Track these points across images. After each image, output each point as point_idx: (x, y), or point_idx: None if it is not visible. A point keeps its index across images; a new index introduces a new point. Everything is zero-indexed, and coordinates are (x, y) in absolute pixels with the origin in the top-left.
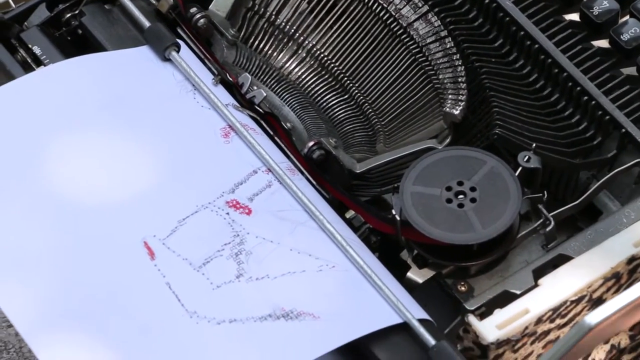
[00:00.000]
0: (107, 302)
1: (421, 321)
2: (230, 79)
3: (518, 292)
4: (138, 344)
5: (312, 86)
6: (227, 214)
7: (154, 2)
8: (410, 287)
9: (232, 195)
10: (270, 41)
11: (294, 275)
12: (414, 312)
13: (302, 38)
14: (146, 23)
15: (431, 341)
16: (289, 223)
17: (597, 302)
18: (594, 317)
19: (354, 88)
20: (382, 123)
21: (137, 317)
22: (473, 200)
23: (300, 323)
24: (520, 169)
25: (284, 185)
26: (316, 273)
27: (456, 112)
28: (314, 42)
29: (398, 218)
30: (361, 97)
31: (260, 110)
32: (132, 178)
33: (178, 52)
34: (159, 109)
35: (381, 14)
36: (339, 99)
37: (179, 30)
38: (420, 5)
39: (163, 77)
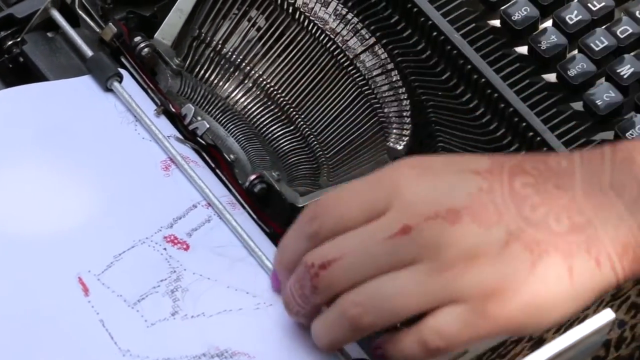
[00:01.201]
0: (39, 338)
1: None
2: (174, 109)
3: None
4: None
5: (257, 117)
6: (165, 249)
7: (98, 30)
8: None
9: (170, 230)
10: (217, 70)
11: (230, 313)
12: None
13: (248, 68)
14: (88, 52)
15: None
16: (227, 259)
17: (538, 342)
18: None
19: (299, 119)
20: (327, 156)
21: (69, 355)
22: None
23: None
24: None
25: (224, 220)
26: (253, 311)
27: (399, 147)
28: (261, 72)
29: None
30: (306, 129)
31: (203, 142)
32: (69, 211)
33: (120, 82)
34: (99, 140)
35: (328, 45)
36: (284, 130)
37: (123, 59)
38: (367, 37)
39: (104, 108)
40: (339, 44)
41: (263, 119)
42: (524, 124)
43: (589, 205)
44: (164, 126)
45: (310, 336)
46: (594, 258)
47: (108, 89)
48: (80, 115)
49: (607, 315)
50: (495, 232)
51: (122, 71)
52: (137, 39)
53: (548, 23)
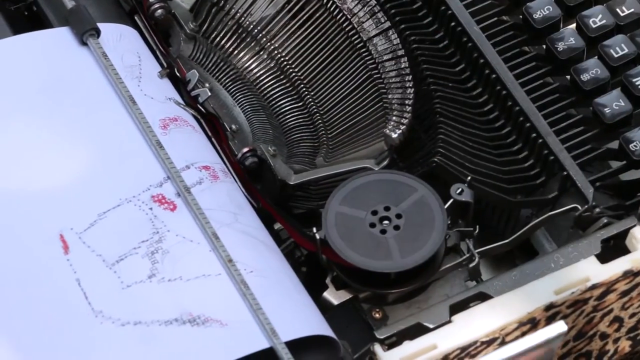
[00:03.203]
0: (14, 293)
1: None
2: (179, 74)
3: (431, 326)
4: (40, 338)
5: (268, 89)
6: (151, 209)
7: None
8: (325, 307)
9: (158, 190)
10: (233, 39)
11: (208, 278)
12: (312, 329)
13: (265, 39)
14: (69, 4)
15: None
16: (214, 223)
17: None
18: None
19: (308, 96)
20: (329, 136)
21: (42, 312)
22: (397, 227)
23: (205, 330)
24: (451, 201)
25: (215, 185)
26: (232, 277)
27: (394, 135)
28: (277, 45)
29: (317, 237)
30: (314, 107)
31: (202, 109)
32: (58, 167)
33: (97, 37)
34: (94, 93)
35: (344, 25)
36: (292, 106)
37: (136, 18)
38: (383, 20)
39: (85, 61)
40: (355, 24)
41: (273, 92)
42: (528, 124)
43: None
44: (167, 88)
45: (283, 305)
46: None
47: (84, 43)
48: (68, 67)
49: (559, 327)
50: None
51: (133, 30)
52: None
53: (573, 25)
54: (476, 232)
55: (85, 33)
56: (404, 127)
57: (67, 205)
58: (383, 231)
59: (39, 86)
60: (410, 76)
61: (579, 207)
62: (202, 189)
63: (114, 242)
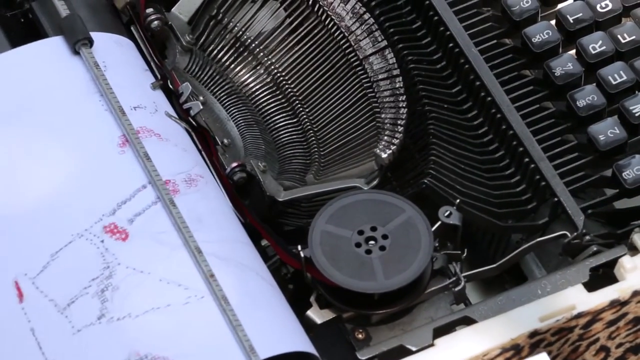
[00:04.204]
0: None
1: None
2: (172, 86)
3: (414, 349)
4: None
5: (263, 104)
6: (102, 241)
7: None
8: (309, 326)
9: (111, 218)
10: (230, 52)
11: (157, 311)
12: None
13: (262, 54)
14: (63, 12)
15: None
16: (166, 247)
17: None
18: None
19: (303, 113)
20: (322, 153)
21: None
22: (382, 248)
23: None
24: (439, 223)
25: (166, 204)
26: (182, 307)
27: (384, 155)
28: (273, 60)
29: (302, 255)
30: (308, 123)
31: (193, 122)
32: (11, 200)
33: (90, 47)
34: (59, 111)
35: (341, 42)
36: (286, 122)
37: (132, 29)
38: (380, 39)
39: (71, 73)
40: (352, 42)
41: (268, 107)
42: (521, 148)
43: None
44: (159, 99)
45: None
46: None
47: (76, 52)
48: (45, 82)
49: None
50: None
51: (128, 41)
52: (150, 10)
53: (573, 50)
54: (464, 255)
55: (78, 42)
56: (395, 147)
57: (22, 247)
58: (368, 251)
59: (17, 102)
60: (404, 96)
61: (568, 234)
62: (157, 209)
63: (65, 284)
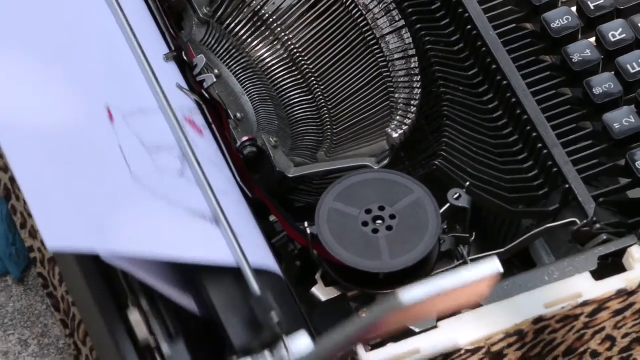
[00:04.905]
0: (61, 148)
1: (262, 272)
2: (187, 57)
3: (417, 330)
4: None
5: (278, 80)
6: (182, 126)
7: None
8: (313, 303)
9: (189, 114)
10: (247, 27)
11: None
12: (256, 262)
13: (279, 29)
14: None
15: (257, 291)
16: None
17: (496, 356)
18: (406, 296)
19: (318, 90)
20: (335, 131)
21: (83, 158)
22: (389, 228)
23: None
24: (447, 205)
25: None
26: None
27: (395, 135)
28: (291, 36)
29: (309, 231)
30: (322, 100)
31: (206, 95)
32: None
33: None
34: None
35: (359, 20)
36: (301, 98)
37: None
38: (397, 19)
39: None
40: (369, 20)
41: (283, 82)
42: (535, 134)
43: None
44: (173, 72)
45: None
46: None
47: None
48: None
49: (493, 266)
50: None
51: (145, 9)
52: None
53: (593, 38)
54: (472, 238)
55: None
56: (407, 127)
57: (114, 87)
58: (375, 231)
59: None
60: (419, 77)
61: (578, 221)
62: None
63: (151, 134)
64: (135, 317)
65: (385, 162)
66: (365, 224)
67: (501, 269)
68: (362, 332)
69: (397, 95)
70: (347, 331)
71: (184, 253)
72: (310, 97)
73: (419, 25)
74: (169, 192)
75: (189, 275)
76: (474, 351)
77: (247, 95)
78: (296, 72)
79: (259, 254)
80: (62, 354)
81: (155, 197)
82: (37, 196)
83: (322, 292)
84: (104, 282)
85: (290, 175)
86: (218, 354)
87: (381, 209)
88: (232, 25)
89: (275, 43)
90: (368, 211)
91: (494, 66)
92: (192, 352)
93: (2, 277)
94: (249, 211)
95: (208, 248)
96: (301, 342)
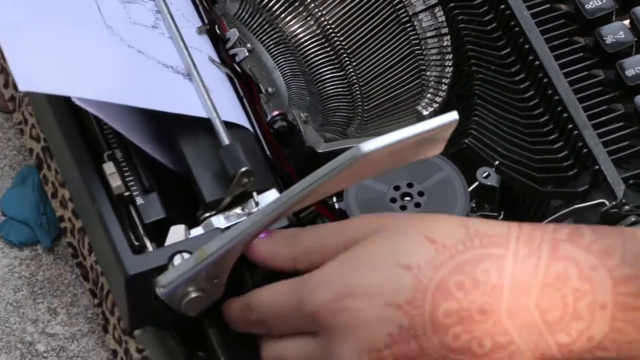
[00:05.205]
0: None
1: (232, 126)
2: (220, 31)
3: None
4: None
5: (311, 55)
6: None
7: None
8: None
9: None
10: (281, 2)
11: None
12: (227, 116)
13: (313, 5)
14: None
15: (225, 141)
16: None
17: None
18: (367, 146)
19: (349, 66)
20: (365, 107)
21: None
22: (417, 205)
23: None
24: (476, 184)
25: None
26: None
27: (425, 113)
28: (324, 12)
29: (337, 206)
30: (354, 77)
31: (238, 69)
32: None
33: None
34: None
35: None
36: (333, 74)
37: None
38: None
39: None
40: None
41: (316, 58)
42: (566, 114)
43: (512, 326)
44: (205, 45)
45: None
46: None
47: None
48: None
49: (451, 115)
50: None
51: None
52: None
53: (627, 20)
54: (500, 217)
55: None
56: (437, 105)
57: None
58: (403, 207)
59: None
60: (451, 55)
61: (607, 202)
62: None
63: None
64: (109, 168)
65: None
66: (393, 200)
67: (457, 117)
68: (325, 184)
69: (428, 73)
70: (309, 180)
71: (156, 101)
72: (342, 73)
73: (452, 4)
74: (142, 43)
75: (162, 127)
76: None
77: (279, 70)
78: (328, 49)
79: (229, 109)
80: (90, 323)
81: (128, 46)
82: (10, 40)
83: None
84: (79, 132)
85: (320, 151)
86: (190, 211)
87: (409, 185)
88: (266, 0)
89: (308, 19)
90: (396, 188)
91: (527, 46)
92: (165, 205)
93: (33, 246)
94: (224, 76)
95: (179, 98)
96: (271, 197)
